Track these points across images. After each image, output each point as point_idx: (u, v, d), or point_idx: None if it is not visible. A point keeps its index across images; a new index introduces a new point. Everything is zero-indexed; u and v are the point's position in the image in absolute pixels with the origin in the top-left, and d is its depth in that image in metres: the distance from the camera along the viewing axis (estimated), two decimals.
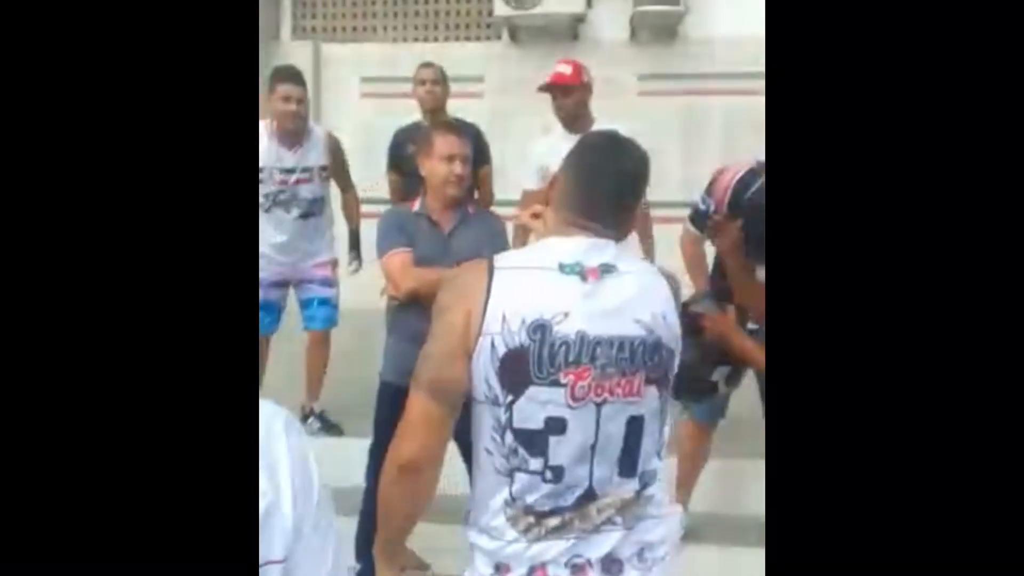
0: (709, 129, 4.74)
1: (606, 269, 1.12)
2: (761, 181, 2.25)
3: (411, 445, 1.09)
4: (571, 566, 1.09)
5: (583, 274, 1.10)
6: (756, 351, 1.90)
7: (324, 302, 3.30)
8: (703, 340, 1.86)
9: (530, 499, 1.09)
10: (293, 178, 3.13)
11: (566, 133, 3.09)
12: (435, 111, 3.39)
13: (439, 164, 2.27)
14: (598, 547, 1.10)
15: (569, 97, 3.11)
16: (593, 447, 1.10)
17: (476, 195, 3.32)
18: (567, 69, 3.16)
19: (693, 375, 1.83)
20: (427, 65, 3.48)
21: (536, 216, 1.29)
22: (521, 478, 1.09)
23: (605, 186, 1.20)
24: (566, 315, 1.08)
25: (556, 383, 1.07)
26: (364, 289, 3.01)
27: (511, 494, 1.09)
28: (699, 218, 2.53)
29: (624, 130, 1.76)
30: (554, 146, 2.94)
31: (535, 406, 1.08)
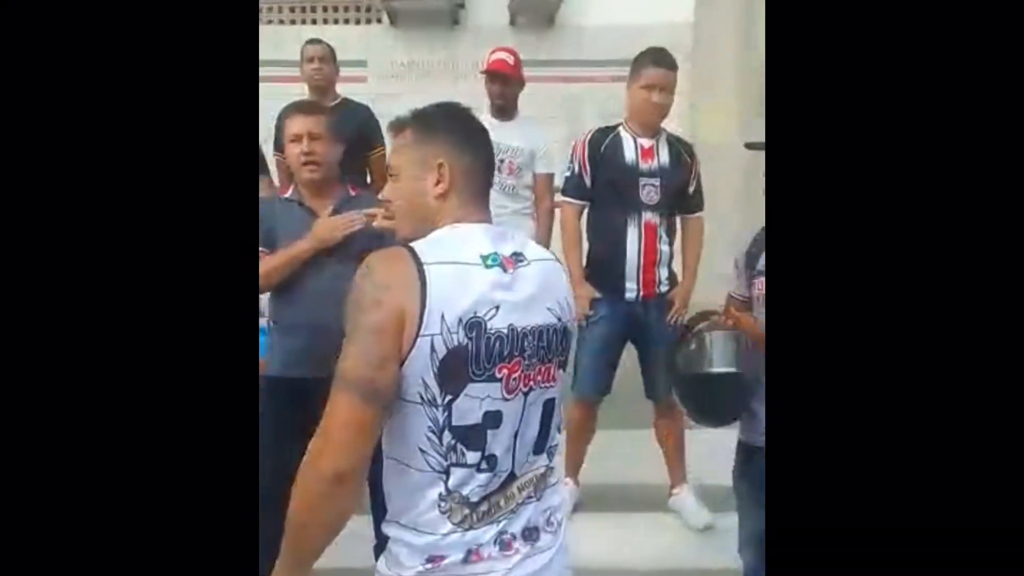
0: (587, 114, 4.89)
1: (518, 259, 1.13)
2: (611, 136, 2.59)
3: (348, 455, 1.01)
4: (499, 543, 1.12)
5: (503, 265, 1.11)
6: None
7: None
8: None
9: (465, 491, 1.09)
10: None
11: (493, 119, 3.14)
12: (323, 90, 3.24)
13: (290, 146, 2.19)
14: (518, 520, 1.15)
15: (508, 86, 3.15)
16: (516, 433, 1.12)
17: (368, 179, 3.27)
18: (509, 58, 3.17)
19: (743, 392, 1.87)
20: (314, 42, 3.34)
21: (388, 216, 1.24)
22: (457, 472, 1.08)
23: (490, 164, 1.22)
24: (497, 309, 1.08)
25: (492, 378, 1.08)
26: None
27: (447, 488, 1.08)
28: (573, 185, 2.71)
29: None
30: None
31: (473, 403, 1.07)
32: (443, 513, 1.09)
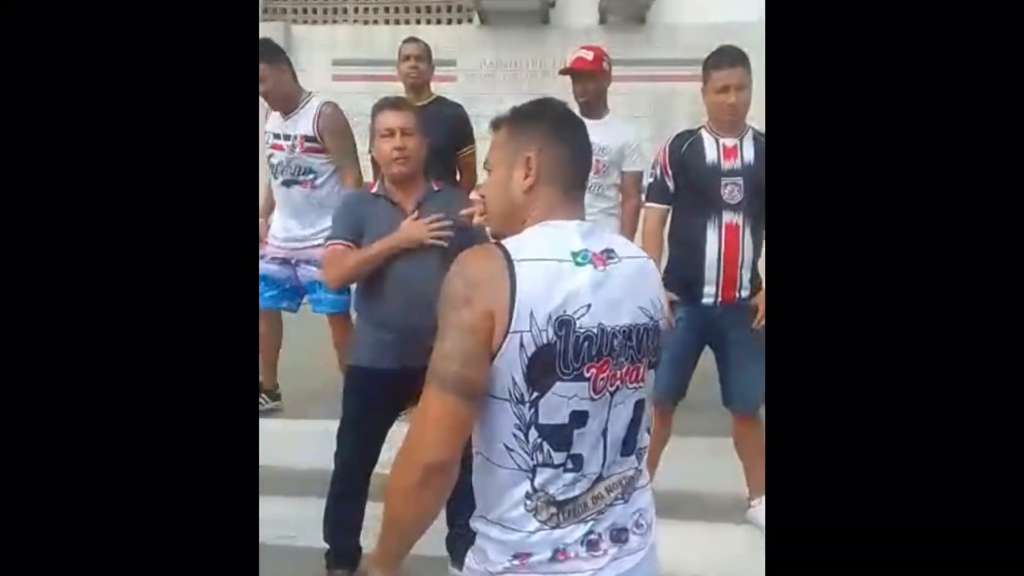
0: (677, 114, 4.81)
1: (609, 255, 1.12)
2: (692, 139, 2.54)
3: (440, 448, 1.04)
4: (587, 543, 1.12)
5: (594, 262, 1.10)
6: None
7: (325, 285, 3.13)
8: None
9: (552, 490, 1.09)
10: (279, 143, 3.09)
11: (581, 118, 3.16)
12: (418, 88, 3.30)
13: (381, 141, 2.21)
14: (606, 521, 1.14)
15: (591, 82, 3.14)
16: (604, 433, 1.12)
17: (459, 178, 3.32)
18: (588, 55, 3.16)
19: None
20: (412, 40, 3.39)
21: (483, 214, 1.25)
22: (543, 472, 1.09)
23: (585, 159, 1.22)
24: (588, 308, 1.07)
25: (580, 377, 1.07)
26: None
27: (533, 487, 1.09)
28: (655, 189, 2.68)
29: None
30: None
31: (560, 401, 1.07)
32: (529, 511, 1.09)
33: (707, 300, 2.59)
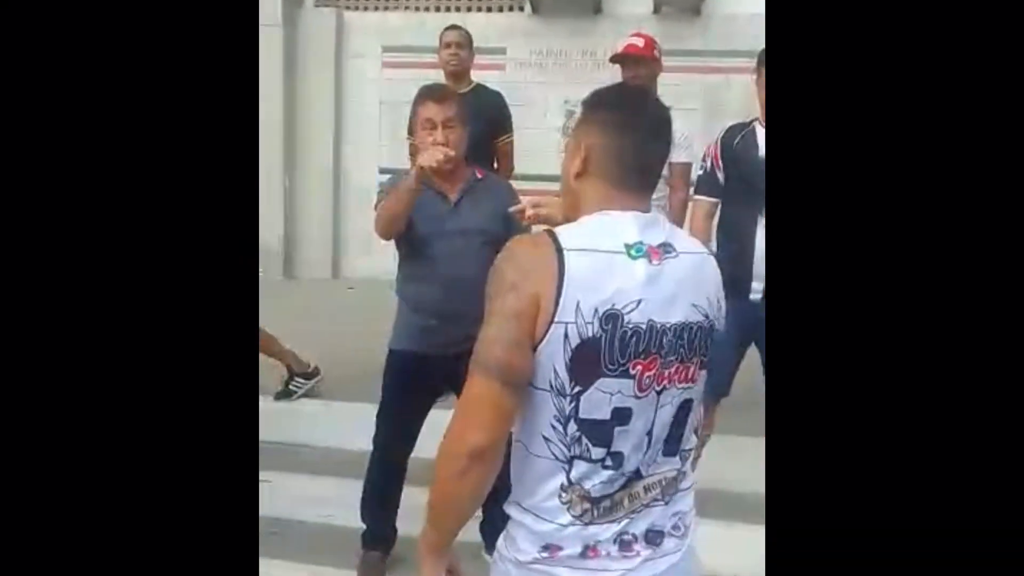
0: (731, 106, 4.73)
1: (666, 249, 1.09)
2: (745, 131, 2.49)
3: (483, 433, 1.03)
4: (619, 542, 1.11)
5: (648, 256, 1.07)
6: None
7: None
8: None
9: (587, 485, 1.08)
10: None
11: None
12: (458, 76, 3.29)
13: (422, 133, 2.17)
14: (642, 522, 1.12)
15: (642, 68, 3.09)
16: (649, 432, 1.10)
17: (495, 165, 3.31)
18: (639, 41, 3.11)
19: None
20: (453, 27, 3.39)
21: (538, 208, 1.21)
22: (580, 465, 1.08)
23: (652, 156, 1.16)
24: (639, 303, 1.04)
25: (625, 374, 1.05)
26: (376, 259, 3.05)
27: (568, 480, 1.08)
28: (704, 182, 2.63)
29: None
30: None
31: (603, 397, 1.05)
32: (563, 504, 1.08)
33: (755, 296, 2.54)
